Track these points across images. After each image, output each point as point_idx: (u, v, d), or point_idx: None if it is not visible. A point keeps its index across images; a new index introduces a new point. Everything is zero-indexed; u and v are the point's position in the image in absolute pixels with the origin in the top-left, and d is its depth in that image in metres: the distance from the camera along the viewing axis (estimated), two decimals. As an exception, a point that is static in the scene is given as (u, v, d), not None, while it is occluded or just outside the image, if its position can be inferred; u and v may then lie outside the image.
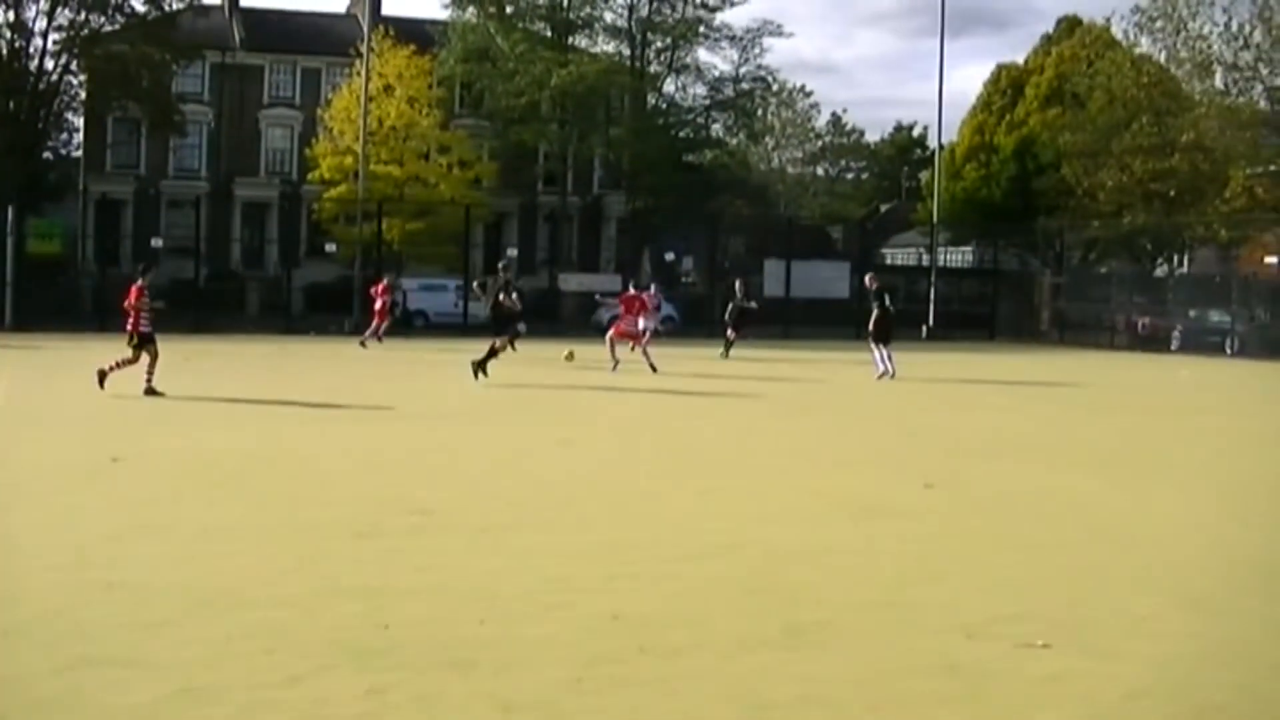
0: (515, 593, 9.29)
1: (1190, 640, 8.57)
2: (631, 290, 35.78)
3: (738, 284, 42.04)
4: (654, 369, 31.44)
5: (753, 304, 41.67)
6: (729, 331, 40.45)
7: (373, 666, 7.39)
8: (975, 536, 12.01)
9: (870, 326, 32.27)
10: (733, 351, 39.42)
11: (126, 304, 24.07)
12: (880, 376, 30.87)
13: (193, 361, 31.03)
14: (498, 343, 28.55)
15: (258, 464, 15.71)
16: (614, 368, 31.85)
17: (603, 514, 12.72)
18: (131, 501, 12.78)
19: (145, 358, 23.48)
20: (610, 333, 34.06)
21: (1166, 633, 8.74)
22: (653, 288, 39.81)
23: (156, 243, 58.59)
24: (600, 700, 7.00)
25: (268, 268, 69.70)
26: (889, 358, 31.38)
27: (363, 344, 41.10)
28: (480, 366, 27.49)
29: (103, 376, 23.25)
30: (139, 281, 24.29)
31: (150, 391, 23.04)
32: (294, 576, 9.63)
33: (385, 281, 45.00)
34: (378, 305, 43.36)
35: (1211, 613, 9.34)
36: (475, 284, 40.02)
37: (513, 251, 65.03)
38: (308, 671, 7.29)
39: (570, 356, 34.13)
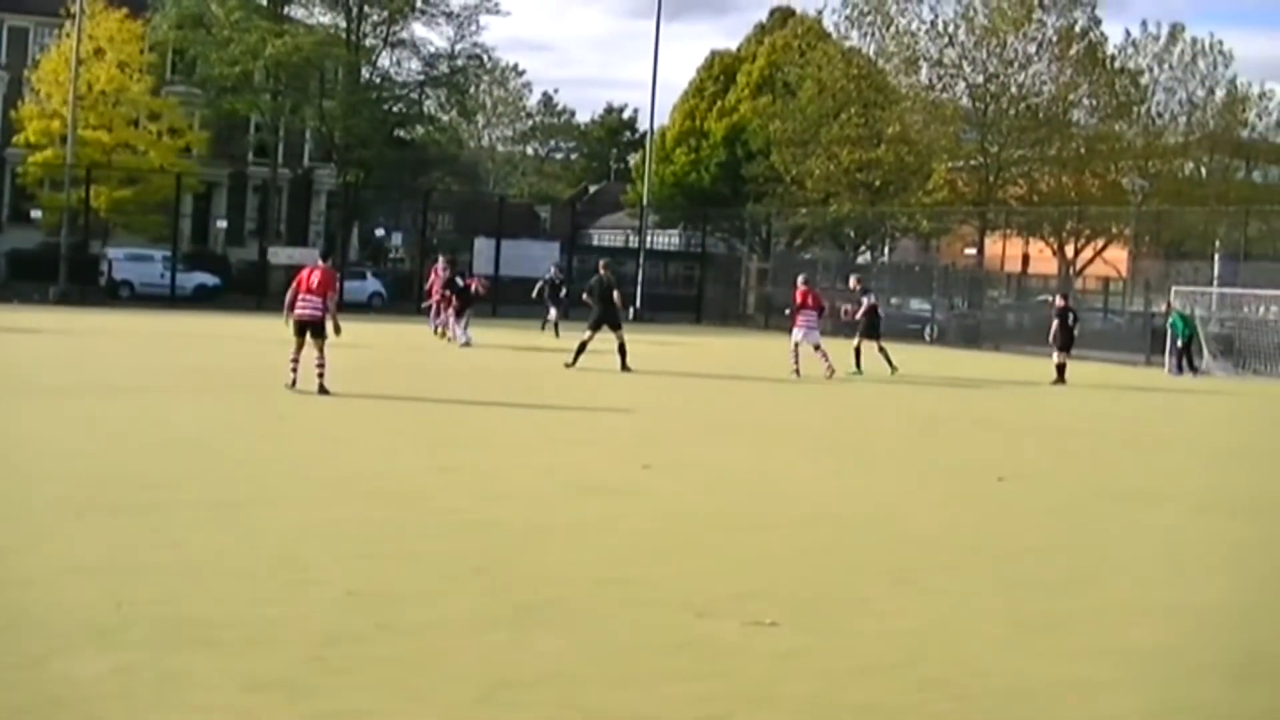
0: (250, 570, 9.36)
1: (904, 617, 9.04)
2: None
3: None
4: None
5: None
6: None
7: (115, 645, 7.40)
8: (695, 516, 12.39)
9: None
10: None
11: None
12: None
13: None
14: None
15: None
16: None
17: (333, 492, 12.77)
18: None
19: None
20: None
21: (884, 611, 9.22)
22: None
23: None
24: (344, 678, 7.13)
25: (-32, 233, 67.35)
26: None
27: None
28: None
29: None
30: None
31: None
32: (26, 556, 9.56)
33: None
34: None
35: (920, 591, 9.87)
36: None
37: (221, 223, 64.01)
38: (50, 651, 7.26)
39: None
